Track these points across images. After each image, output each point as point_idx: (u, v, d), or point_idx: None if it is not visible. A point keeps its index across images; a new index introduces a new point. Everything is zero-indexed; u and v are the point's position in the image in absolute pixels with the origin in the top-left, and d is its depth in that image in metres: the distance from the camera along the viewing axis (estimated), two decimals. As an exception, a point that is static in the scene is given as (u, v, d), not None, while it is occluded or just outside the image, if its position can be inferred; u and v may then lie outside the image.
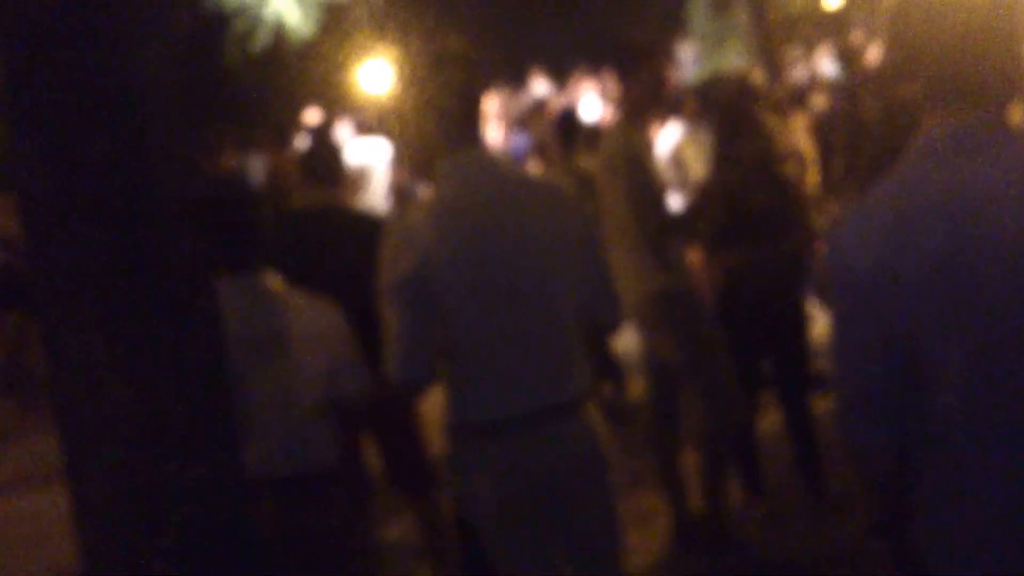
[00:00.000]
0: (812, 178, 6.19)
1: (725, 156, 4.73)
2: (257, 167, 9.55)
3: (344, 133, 10.12)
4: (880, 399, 1.97)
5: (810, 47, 14.04)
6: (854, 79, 8.04)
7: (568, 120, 7.21)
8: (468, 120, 2.83)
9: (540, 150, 9.96)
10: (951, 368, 1.87)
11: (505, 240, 2.73)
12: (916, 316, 1.87)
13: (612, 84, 14.75)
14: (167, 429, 1.94)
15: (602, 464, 2.83)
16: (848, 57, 10.46)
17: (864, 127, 4.77)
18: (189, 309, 1.98)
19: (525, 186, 2.91)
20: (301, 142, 8.69)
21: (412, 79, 2.88)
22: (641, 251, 4.44)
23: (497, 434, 2.74)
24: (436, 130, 2.82)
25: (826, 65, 13.00)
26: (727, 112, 4.85)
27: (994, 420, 1.87)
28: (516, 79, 14.51)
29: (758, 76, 10.64)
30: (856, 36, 12.37)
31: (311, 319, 3.10)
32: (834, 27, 14.84)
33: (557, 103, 12.91)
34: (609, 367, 6.71)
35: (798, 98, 9.53)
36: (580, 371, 2.82)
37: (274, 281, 3.11)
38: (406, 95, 2.89)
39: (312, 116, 11.01)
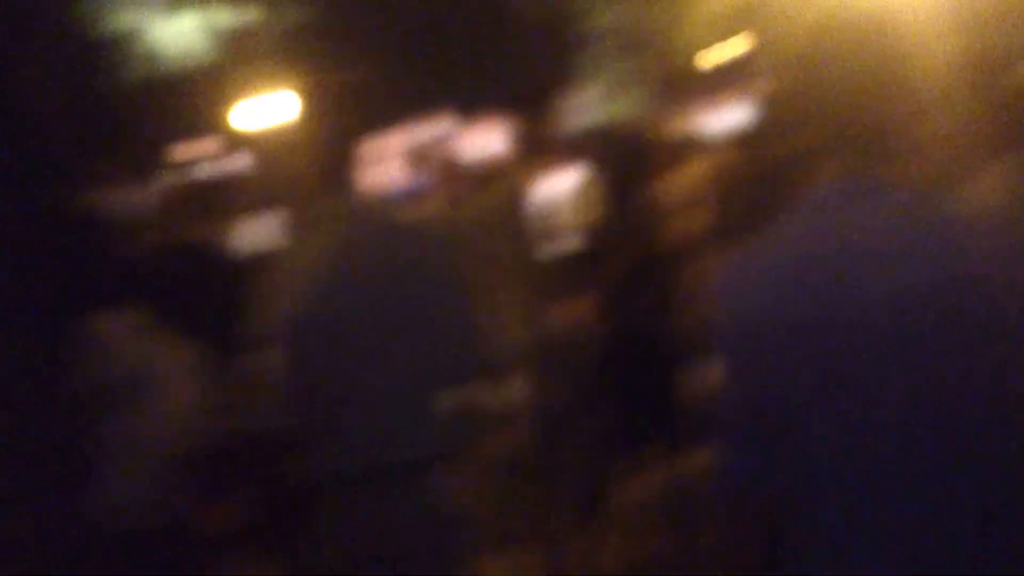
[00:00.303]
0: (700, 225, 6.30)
1: (613, 204, 4.81)
2: (144, 197, 9.35)
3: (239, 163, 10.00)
4: (756, 452, 2.00)
5: (698, 99, 14.33)
6: (743, 130, 8.25)
7: (475, 159, 7.30)
8: (358, 159, 2.82)
9: (436, 189, 9.99)
10: (822, 424, 1.89)
11: (386, 284, 2.71)
12: (791, 369, 1.90)
13: (511, 126, 14.95)
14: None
15: (474, 515, 2.83)
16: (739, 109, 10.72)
17: (751, 176, 4.88)
18: (53, 345, 1.92)
19: (408, 229, 2.90)
20: (189, 173, 8.55)
21: (307, 113, 2.88)
22: (521, 297, 4.46)
23: (375, 481, 2.71)
24: (326, 167, 2.81)
25: (721, 116, 13.29)
26: (612, 161, 4.93)
27: (858, 477, 1.89)
28: (410, 121, 14.54)
29: (651, 125, 10.88)
30: (744, 90, 12.70)
31: (168, 363, 3.00)
32: (720, 80, 15.20)
33: (456, 143, 12.97)
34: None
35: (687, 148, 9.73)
36: (454, 421, 2.81)
37: (135, 321, 3.02)
38: (301, 128, 2.88)
39: (205, 146, 10.85)
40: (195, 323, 3.65)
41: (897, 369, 1.85)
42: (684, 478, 4.87)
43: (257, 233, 9.41)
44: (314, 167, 2.83)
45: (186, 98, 12.92)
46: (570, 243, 6.14)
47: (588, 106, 13.94)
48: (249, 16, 13.44)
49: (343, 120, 2.83)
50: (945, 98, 2.72)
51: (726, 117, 13.11)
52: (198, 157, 9.56)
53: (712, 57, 14.38)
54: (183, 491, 3.02)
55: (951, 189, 2.81)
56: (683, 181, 7.10)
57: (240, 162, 9.60)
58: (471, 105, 15.25)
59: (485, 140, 13.01)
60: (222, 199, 4.39)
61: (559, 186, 7.14)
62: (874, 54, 1.94)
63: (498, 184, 4.70)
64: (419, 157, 11.18)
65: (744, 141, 6.43)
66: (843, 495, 1.90)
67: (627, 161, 4.96)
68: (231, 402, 3.50)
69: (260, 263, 3.54)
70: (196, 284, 4.07)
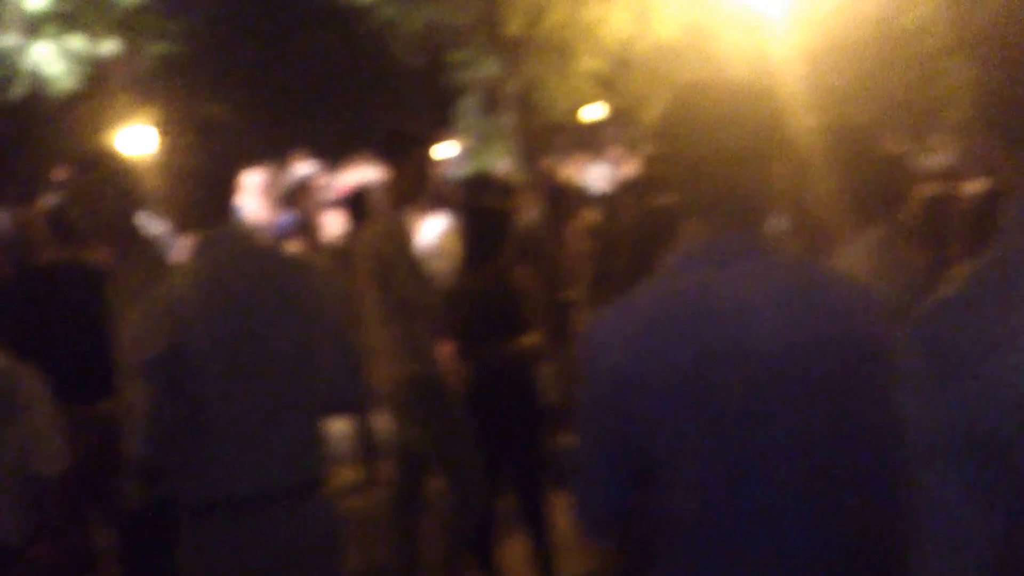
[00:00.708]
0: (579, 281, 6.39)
1: (471, 258, 4.87)
2: (3, 221, 9.06)
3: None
4: (616, 497, 2.03)
5: (566, 156, 14.62)
6: (614, 189, 8.45)
7: (358, 198, 7.33)
8: (224, 192, 2.78)
9: (303, 228, 9.94)
10: (688, 475, 1.91)
11: (257, 317, 2.69)
12: (658, 422, 1.90)
13: (374, 172, 14.93)
14: None
15: (334, 547, 2.82)
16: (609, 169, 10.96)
17: (621, 234, 5.01)
18: None
19: (279, 263, 2.88)
20: (51, 198, 8.32)
21: (171, 145, 2.82)
22: (396, 336, 4.49)
23: (234, 512, 2.69)
24: (191, 200, 2.75)
25: (592, 174, 13.59)
26: (477, 215, 5.01)
27: (729, 527, 1.91)
28: (278, 159, 14.42)
29: (519, 178, 11.02)
30: (613, 150, 12.98)
31: (7, 387, 2.93)
32: (589, 138, 15.51)
33: (322, 183, 12.92)
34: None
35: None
36: (319, 452, 2.81)
37: None
38: (165, 160, 2.82)
39: (64, 173, 10.53)
40: (56, 350, 3.57)
41: (760, 421, 1.89)
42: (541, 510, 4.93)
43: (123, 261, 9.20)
44: (182, 196, 2.78)
45: (52, 124, 12.55)
46: (440, 286, 6.19)
47: (460, 156, 14.05)
48: (115, 46, 13.15)
49: (210, 152, 2.78)
50: (812, 165, 2.85)
51: (599, 174, 13.42)
52: (61, 183, 9.29)
53: (587, 114, 14.69)
54: (38, 515, 2.92)
55: (816, 252, 2.92)
56: (553, 232, 7.23)
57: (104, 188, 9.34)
58: (345, 146, 15.23)
59: (357, 181, 13.00)
60: (86, 225, 4.27)
61: (430, 231, 7.23)
62: (745, 120, 1.99)
63: (373, 225, 4.72)
64: (290, 194, 11.11)
65: (614, 198, 6.62)
66: (706, 540, 1.95)
67: (493, 212, 5.03)
68: (87, 429, 3.42)
69: (127, 290, 3.48)
70: (57, 309, 3.99)
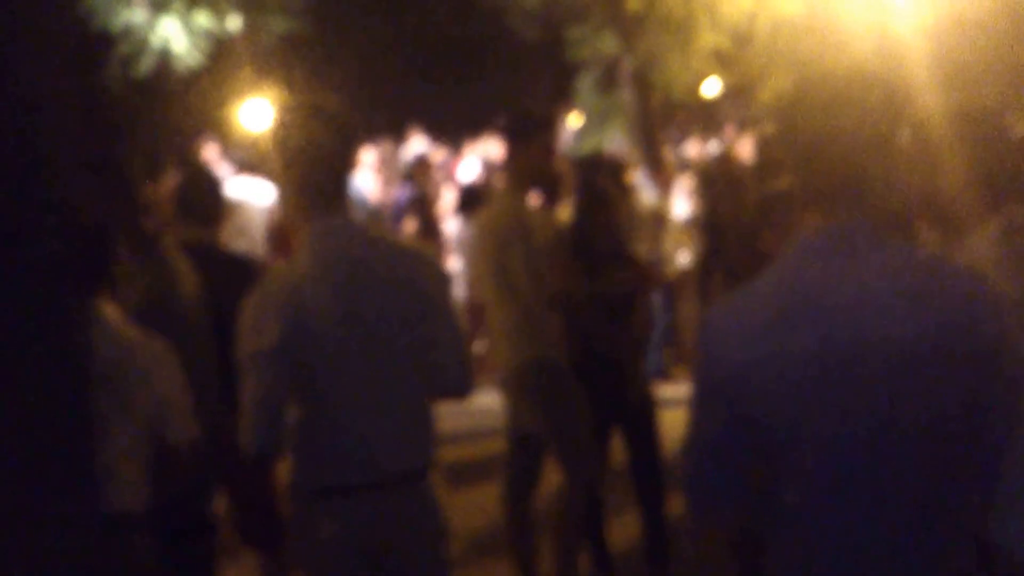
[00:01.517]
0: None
1: (581, 235, 4.86)
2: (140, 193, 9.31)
3: (224, 169, 10.01)
4: (729, 480, 2.05)
5: (684, 134, 14.51)
6: (728, 168, 8.36)
7: (471, 193, 7.42)
8: (336, 184, 2.82)
9: (420, 203, 10.06)
10: (806, 463, 1.94)
11: (370, 306, 2.75)
12: (777, 411, 1.93)
13: (496, 150, 15.02)
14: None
15: (440, 534, 2.87)
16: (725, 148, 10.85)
17: (737, 214, 4.97)
18: (59, 332, 1.94)
19: (392, 252, 2.91)
20: (176, 175, 8.56)
21: (287, 131, 2.87)
22: (513, 319, 4.50)
23: (342, 498, 2.75)
24: (303, 190, 2.81)
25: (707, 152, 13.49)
26: (584, 191, 5.00)
27: (841, 516, 1.94)
28: (396, 134, 14.59)
29: (635, 156, 10.98)
30: (728, 130, 12.82)
31: (143, 357, 2.98)
32: (706, 117, 15.34)
33: (438, 158, 13.05)
34: None
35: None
36: (429, 438, 2.86)
37: (110, 310, 3.01)
38: (281, 144, 2.87)
39: (206, 150, 10.80)
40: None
41: (879, 413, 1.89)
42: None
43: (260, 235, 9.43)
44: (296, 183, 2.83)
45: (183, 99, 12.88)
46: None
47: (577, 133, 14.02)
48: (238, 22, 13.42)
49: (324, 141, 2.83)
50: (932, 152, 2.79)
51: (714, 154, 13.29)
52: (195, 159, 9.56)
53: (705, 91, 14.53)
54: (166, 483, 2.99)
55: (944, 242, 2.85)
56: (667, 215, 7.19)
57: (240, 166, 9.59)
58: (463, 122, 15.32)
59: (477, 159, 13.12)
60: (220, 203, 4.38)
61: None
62: (864, 103, 1.98)
63: (496, 208, 4.70)
64: (408, 171, 11.24)
65: (733, 180, 6.56)
66: (820, 528, 1.97)
67: (607, 192, 5.01)
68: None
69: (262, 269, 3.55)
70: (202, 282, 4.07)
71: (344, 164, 2.86)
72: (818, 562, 1.97)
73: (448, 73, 19.04)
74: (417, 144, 14.39)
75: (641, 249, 5.69)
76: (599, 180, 5.05)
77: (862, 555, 1.94)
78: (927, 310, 1.90)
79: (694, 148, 14.02)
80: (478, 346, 7.24)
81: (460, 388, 2.99)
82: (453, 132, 15.72)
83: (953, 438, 1.91)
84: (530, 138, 4.59)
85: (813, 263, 1.97)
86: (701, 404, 2.07)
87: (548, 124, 4.81)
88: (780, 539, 2.04)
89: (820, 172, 2.00)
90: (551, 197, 5.22)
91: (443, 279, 2.97)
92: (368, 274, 2.77)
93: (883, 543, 1.93)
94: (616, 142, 13.97)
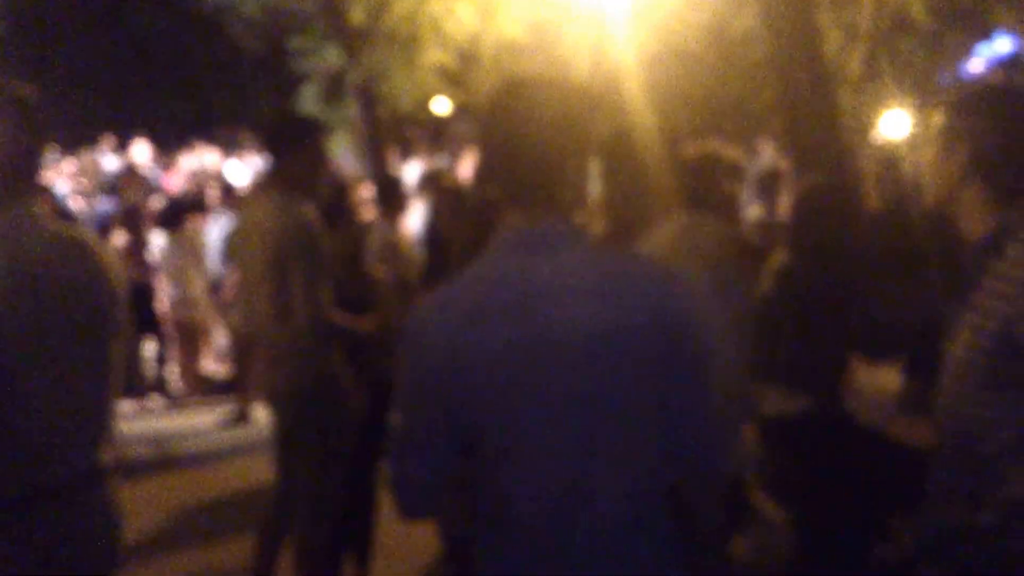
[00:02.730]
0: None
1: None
2: None
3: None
4: (434, 473, 2.09)
5: (411, 148, 14.62)
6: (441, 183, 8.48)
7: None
8: (16, 171, 2.62)
9: (130, 216, 9.63)
10: (513, 452, 2.00)
11: (51, 310, 2.57)
12: (481, 403, 1.99)
13: (212, 160, 14.67)
14: None
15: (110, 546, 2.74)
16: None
17: (459, 223, 5.02)
18: None
19: (69, 247, 2.70)
20: None
21: None
22: (298, 335, 4.29)
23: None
24: None
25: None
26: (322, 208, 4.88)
27: (549, 501, 2.01)
28: (103, 141, 14.00)
29: (356, 172, 10.96)
30: (456, 147, 13.02)
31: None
32: (436, 134, 15.54)
33: (148, 170, 12.62)
34: None
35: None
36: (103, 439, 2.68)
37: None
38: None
39: None
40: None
41: (573, 401, 1.98)
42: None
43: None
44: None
45: None
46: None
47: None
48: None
49: (20, 130, 2.64)
50: (622, 161, 2.95)
51: (435, 164, 13.43)
52: None
53: (436, 108, 14.70)
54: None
55: (624, 241, 3.05)
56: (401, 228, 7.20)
57: None
58: (185, 131, 14.85)
59: (195, 167, 12.72)
60: None
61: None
62: (557, 115, 2.06)
63: (276, 214, 4.40)
64: (124, 181, 10.81)
65: (449, 193, 6.65)
66: (531, 515, 2.03)
67: (332, 209, 4.94)
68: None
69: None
70: None
71: (25, 154, 2.64)
72: (522, 540, 2.03)
73: (169, 82, 18.48)
74: (140, 152, 13.91)
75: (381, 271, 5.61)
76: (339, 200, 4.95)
77: (564, 531, 2.01)
78: (617, 299, 1.99)
79: (422, 165, 14.17)
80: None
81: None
82: (175, 141, 15.27)
83: (645, 410, 2.02)
84: (300, 144, 4.40)
85: (511, 259, 2.04)
86: (405, 399, 2.10)
87: (317, 129, 4.58)
88: (486, 528, 2.09)
89: (515, 176, 2.07)
90: (333, 212, 4.94)
91: (115, 273, 2.77)
92: (46, 273, 2.57)
93: (586, 513, 2.00)
94: (342, 156, 13.92)
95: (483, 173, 2.20)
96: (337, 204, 5.06)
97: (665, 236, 2.99)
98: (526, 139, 2.05)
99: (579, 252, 2.06)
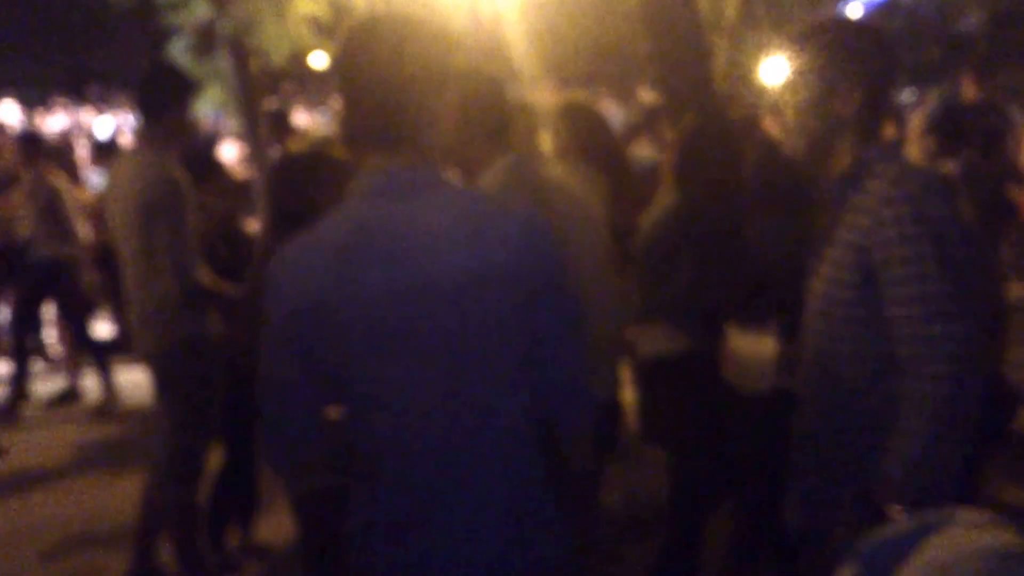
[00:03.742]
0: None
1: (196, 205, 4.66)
2: None
3: None
4: (303, 424, 2.04)
5: (287, 102, 14.35)
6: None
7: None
8: None
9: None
10: (383, 399, 1.97)
11: None
12: (350, 348, 1.96)
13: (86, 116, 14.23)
14: None
15: None
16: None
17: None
18: None
19: None
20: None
21: None
22: (167, 293, 4.25)
23: None
24: None
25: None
26: (192, 163, 4.76)
27: (420, 447, 1.99)
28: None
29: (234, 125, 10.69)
30: (334, 101, 12.84)
31: None
32: (316, 89, 15.28)
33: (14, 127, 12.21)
34: None
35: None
36: None
37: None
38: None
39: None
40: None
41: (444, 348, 1.96)
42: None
43: None
44: None
45: None
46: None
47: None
48: None
49: None
50: (468, 102, 2.92)
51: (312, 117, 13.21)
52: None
53: (313, 62, 14.45)
54: None
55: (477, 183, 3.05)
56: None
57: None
58: (52, 87, 14.35)
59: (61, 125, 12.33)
60: None
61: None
62: (409, 54, 2.01)
63: (146, 170, 4.29)
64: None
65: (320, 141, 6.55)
66: (403, 461, 2.00)
67: (201, 165, 4.82)
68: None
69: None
70: None
71: None
72: (393, 489, 2.01)
73: (36, 37, 17.88)
74: (8, 111, 13.46)
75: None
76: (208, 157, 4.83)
77: (435, 478, 2.00)
78: (483, 243, 1.98)
79: (301, 119, 13.93)
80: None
81: None
82: (42, 98, 14.81)
83: (513, 355, 2.03)
84: (176, 101, 4.30)
85: (375, 203, 2.01)
86: (269, 346, 2.04)
87: (191, 84, 4.48)
88: (356, 478, 2.06)
89: (369, 117, 2.03)
90: (204, 168, 4.84)
91: None
92: None
93: (456, 460, 2.00)
94: (214, 112, 13.61)
95: (343, 119, 2.13)
96: (208, 160, 4.97)
97: (495, 176, 3.06)
98: (373, 77, 2.01)
99: (442, 195, 2.04)
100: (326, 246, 1.99)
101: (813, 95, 2.45)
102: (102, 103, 14.82)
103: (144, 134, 4.37)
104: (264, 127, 8.03)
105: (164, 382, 4.34)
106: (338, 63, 2.08)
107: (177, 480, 4.32)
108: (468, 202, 2.08)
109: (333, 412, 2.11)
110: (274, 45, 10.89)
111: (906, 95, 16.28)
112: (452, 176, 2.52)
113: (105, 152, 9.71)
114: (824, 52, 2.43)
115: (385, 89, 2.01)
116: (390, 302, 1.94)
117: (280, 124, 7.76)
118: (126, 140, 11.98)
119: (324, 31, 11.85)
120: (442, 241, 1.97)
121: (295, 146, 4.32)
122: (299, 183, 3.34)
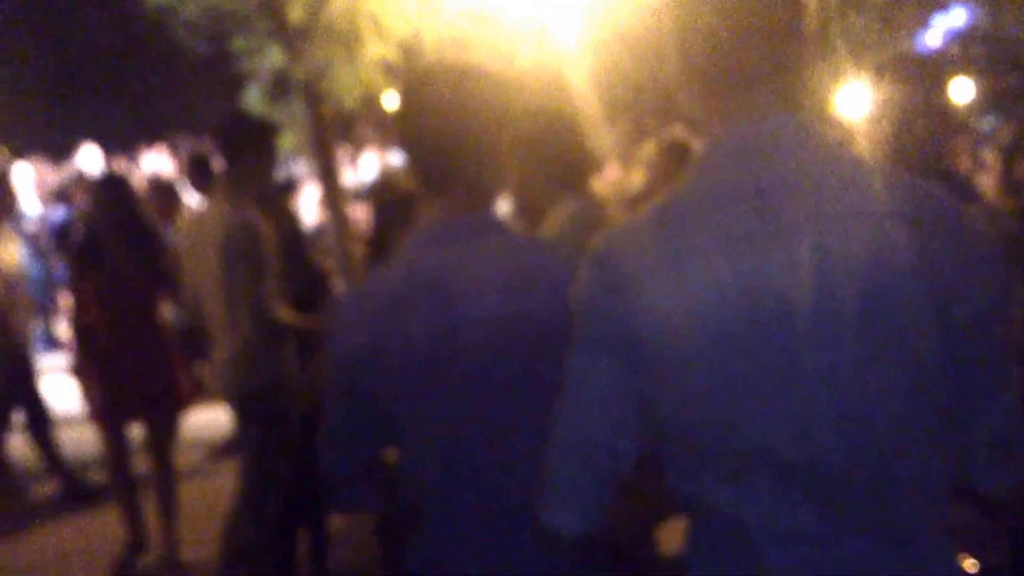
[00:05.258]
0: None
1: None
2: None
3: None
4: (360, 467, 2.10)
5: (359, 147, 14.53)
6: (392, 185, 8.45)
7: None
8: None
9: (86, 221, 9.55)
10: (431, 443, 2.02)
11: None
12: (400, 393, 2.02)
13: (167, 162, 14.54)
14: None
15: None
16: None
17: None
18: None
19: None
20: None
21: None
22: (249, 336, 4.33)
23: None
24: None
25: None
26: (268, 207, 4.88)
27: (465, 492, 2.03)
28: (60, 151, 13.83)
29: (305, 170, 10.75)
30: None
31: None
32: (387, 130, 15.42)
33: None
34: None
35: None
36: None
37: None
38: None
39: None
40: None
41: (490, 390, 2.02)
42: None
43: None
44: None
45: None
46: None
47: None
48: None
49: None
50: (530, 145, 2.98)
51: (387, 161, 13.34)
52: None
53: (384, 106, 14.64)
54: None
55: (530, 224, 3.10)
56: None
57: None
58: (134, 136, 14.67)
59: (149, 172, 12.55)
60: None
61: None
62: (467, 103, 2.07)
63: (222, 218, 4.38)
64: (74, 188, 10.64)
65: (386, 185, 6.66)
66: (448, 507, 2.04)
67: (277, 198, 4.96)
68: None
69: None
70: None
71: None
72: (444, 529, 2.05)
73: (115, 86, 18.27)
74: (90, 158, 13.74)
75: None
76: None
77: (484, 520, 2.05)
78: (530, 288, 2.03)
79: (373, 160, 14.11)
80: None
81: None
82: (124, 146, 15.11)
83: (548, 393, 2.03)
84: (252, 147, 4.39)
85: (430, 251, 2.06)
86: (331, 392, 2.12)
87: (269, 130, 4.58)
88: (411, 518, 2.11)
89: (429, 167, 2.09)
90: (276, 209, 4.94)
91: None
92: None
93: (504, 502, 2.03)
94: (290, 156, 13.83)
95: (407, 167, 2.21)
96: (280, 202, 5.08)
97: (558, 221, 3.09)
98: (433, 128, 2.06)
99: (495, 242, 2.08)
100: (379, 293, 2.06)
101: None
102: (180, 151, 15.10)
103: (224, 180, 4.47)
104: (189, 171, 8.06)
105: (245, 422, 4.43)
106: (396, 115, 2.15)
107: (248, 520, 4.38)
108: (517, 247, 2.12)
109: (391, 454, 2.17)
110: (346, 89, 11.06)
111: (986, 122, 15.94)
112: (512, 222, 2.58)
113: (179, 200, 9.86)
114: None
115: (440, 138, 2.06)
116: (434, 344, 1.99)
117: (201, 169, 7.78)
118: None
119: (395, 73, 12.01)
120: (490, 287, 2.02)
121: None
122: (394, 222, 3.43)
